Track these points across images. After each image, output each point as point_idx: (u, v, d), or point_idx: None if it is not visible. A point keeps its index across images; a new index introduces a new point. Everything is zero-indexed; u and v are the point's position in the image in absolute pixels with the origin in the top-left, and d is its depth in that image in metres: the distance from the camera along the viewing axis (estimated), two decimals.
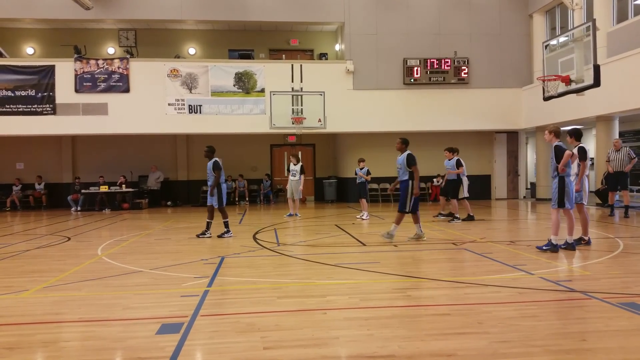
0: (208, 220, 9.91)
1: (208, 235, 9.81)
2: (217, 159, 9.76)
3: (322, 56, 19.25)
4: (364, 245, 8.64)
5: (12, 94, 16.64)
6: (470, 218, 12.03)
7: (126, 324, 4.37)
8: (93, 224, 13.18)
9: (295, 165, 13.91)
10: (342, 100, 17.63)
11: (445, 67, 18.15)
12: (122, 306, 4.94)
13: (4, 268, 7.08)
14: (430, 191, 19.39)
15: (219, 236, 9.79)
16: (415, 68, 18.04)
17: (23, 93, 16.68)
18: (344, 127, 17.92)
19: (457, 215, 11.96)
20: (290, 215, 13.95)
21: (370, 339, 3.81)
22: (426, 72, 18.10)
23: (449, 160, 12.12)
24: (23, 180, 19.16)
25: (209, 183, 9.75)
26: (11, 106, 16.64)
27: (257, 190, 20.54)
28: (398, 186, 9.00)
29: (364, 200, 13.36)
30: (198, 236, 9.85)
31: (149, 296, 5.38)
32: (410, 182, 8.65)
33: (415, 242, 8.77)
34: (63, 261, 7.62)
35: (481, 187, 19.58)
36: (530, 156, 20.75)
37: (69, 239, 10.14)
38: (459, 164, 11.95)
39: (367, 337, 3.84)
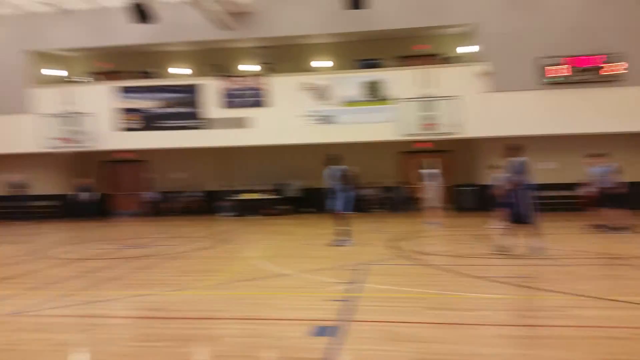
0: (339, 228, 10.05)
1: (346, 243, 9.96)
2: (343, 166, 9.87)
3: (454, 59, 18.66)
4: (513, 257, 8.16)
5: (172, 111, 18.69)
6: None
7: (281, 324, 4.65)
8: (244, 229, 14.22)
9: (430, 171, 13.74)
10: (476, 103, 16.89)
11: (592, 64, 16.45)
12: (276, 307, 5.27)
13: (173, 267, 7.95)
14: (577, 200, 17.63)
15: (337, 244, 9.85)
16: (557, 67, 16.64)
17: (181, 109, 18.64)
18: (479, 131, 17.13)
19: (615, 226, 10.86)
20: (430, 224, 13.69)
21: (527, 359, 3.60)
22: (569, 70, 16.58)
23: (598, 167, 10.96)
24: (184, 188, 21.35)
25: (335, 189, 9.87)
26: (168, 122, 18.70)
27: (388, 198, 20.51)
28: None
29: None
30: (334, 244, 9.93)
31: (300, 298, 5.65)
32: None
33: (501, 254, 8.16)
34: (222, 262, 8.34)
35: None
36: None
37: (225, 242, 11.06)
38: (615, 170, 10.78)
39: (524, 357, 3.63)
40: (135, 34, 18.72)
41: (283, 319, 4.79)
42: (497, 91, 17.05)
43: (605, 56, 16.58)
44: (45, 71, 20.13)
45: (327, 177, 10.03)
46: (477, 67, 17.10)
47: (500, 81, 17.06)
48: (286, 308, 5.24)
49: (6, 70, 19.12)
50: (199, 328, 4.58)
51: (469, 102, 16.74)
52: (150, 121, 18.73)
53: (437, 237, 11.55)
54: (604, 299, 5.27)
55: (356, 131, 17.71)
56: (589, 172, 11.37)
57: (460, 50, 19.52)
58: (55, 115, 18.57)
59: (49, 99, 18.90)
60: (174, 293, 5.98)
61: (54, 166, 20.72)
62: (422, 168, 14.74)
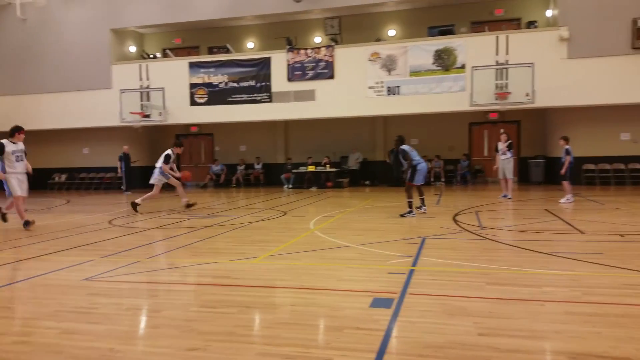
0: (408, 200, 10.14)
1: (413, 215, 10.01)
2: (404, 146, 10.18)
3: (531, 24, 17.66)
4: (583, 233, 7.80)
5: (237, 85, 19.03)
6: None
7: (341, 294, 4.72)
8: (303, 201, 14.43)
9: (504, 143, 13.28)
10: (554, 71, 15.99)
11: None
12: (336, 277, 5.34)
13: (236, 237, 8.23)
14: None
15: (402, 215, 10.13)
16: None
17: (245, 84, 18.95)
18: (557, 101, 16.25)
19: None
20: (504, 196, 13.33)
21: (598, 337, 3.46)
22: None
23: None
24: (246, 160, 21.89)
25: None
26: (236, 96, 19.05)
27: (453, 171, 20.06)
28: None
29: (565, 183, 12.17)
30: (402, 216, 10.13)
31: (359, 270, 5.70)
32: None
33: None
34: (282, 233, 8.54)
35: None
36: None
37: (285, 213, 11.29)
38: None
39: (594, 335, 3.49)
40: (208, 10, 19.16)
41: (342, 290, 4.86)
42: (577, 57, 16.03)
43: None
44: (124, 49, 21.10)
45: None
46: (556, 32, 16.11)
47: (579, 46, 16.02)
48: (345, 279, 5.30)
49: (92, 49, 20.17)
50: (261, 296, 4.73)
51: (544, 70, 15.89)
52: (219, 95, 19.21)
53: (503, 211, 11.21)
54: None
55: (423, 102, 17.29)
56: None
57: (541, 14, 18.48)
58: (132, 91, 19.51)
59: (126, 75, 19.83)
60: (237, 262, 6.19)
61: (128, 139, 21.80)
62: (494, 139, 14.33)
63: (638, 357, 3.12)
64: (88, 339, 3.66)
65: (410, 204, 10.15)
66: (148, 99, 19.38)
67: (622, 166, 17.35)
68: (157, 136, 22.96)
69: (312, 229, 8.72)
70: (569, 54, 16.02)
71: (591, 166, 17.55)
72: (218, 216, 11.07)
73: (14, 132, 9.20)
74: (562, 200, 12.08)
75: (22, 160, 9.25)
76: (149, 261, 6.34)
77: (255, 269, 5.86)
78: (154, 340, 3.67)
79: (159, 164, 12.16)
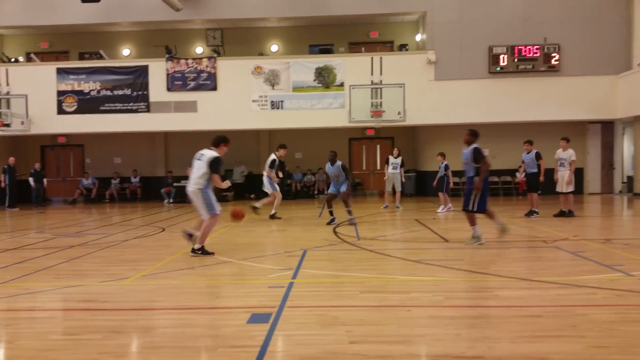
0: (347, 208, 10.96)
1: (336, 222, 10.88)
2: (338, 162, 11.10)
3: (403, 47, 18.97)
4: (447, 241, 8.47)
5: (111, 93, 17.96)
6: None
7: (219, 312, 4.62)
8: (185, 215, 13.94)
9: (396, 158, 14.25)
10: (422, 91, 17.31)
11: (534, 54, 17.25)
12: (214, 295, 5.22)
13: (106, 257, 7.69)
14: (516, 185, 18.62)
15: (350, 223, 10.76)
16: (502, 56, 17.31)
17: (120, 92, 17.95)
18: (425, 119, 17.59)
19: (537, 210, 11.67)
20: (386, 207, 14.32)
21: (457, 338, 3.76)
22: (513, 60, 17.31)
23: (528, 153, 11.73)
24: (120, 174, 20.63)
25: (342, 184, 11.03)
26: (110, 105, 17.96)
27: None
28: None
29: (445, 195, 13.38)
30: (351, 223, 10.71)
31: (239, 286, 5.63)
32: (475, 178, 7.92)
33: (475, 246, 7.74)
34: (159, 251, 8.16)
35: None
36: (627, 148, 19.24)
37: (164, 229, 10.82)
38: (539, 157, 11.54)
39: (454, 337, 3.79)
40: (79, 13, 17.86)
41: (220, 308, 4.77)
42: (443, 79, 17.50)
43: (540, 46, 17.39)
44: None
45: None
46: (424, 56, 17.46)
47: (444, 69, 17.51)
48: (224, 296, 5.21)
49: None
50: (131, 319, 4.46)
51: (414, 90, 17.10)
52: (90, 104, 17.98)
53: (377, 222, 11.79)
54: (526, 279, 5.57)
55: (305, 117, 17.69)
56: (523, 159, 12.07)
57: (411, 38, 19.87)
58: None
59: None
60: (106, 283, 5.79)
61: None
62: (372, 154, 15.35)
63: (490, 354, 3.44)
64: None
65: (350, 212, 10.85)
66: (8, 107, 17.60)
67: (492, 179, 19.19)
68: (19, 147, 20.84)
69: (192, 246, 8.43)
70: (435, 76, 17.46)
71: (457, 179, 19.15)
72: (87, 234, 10.27)
73: (220, 142, 7.70)
74: (440, 210, 13.16)
75: None
76: (2, 286, 5.68)
77: (125, 290, 5.52)
78: None
79: (266, 170, 11.84)
